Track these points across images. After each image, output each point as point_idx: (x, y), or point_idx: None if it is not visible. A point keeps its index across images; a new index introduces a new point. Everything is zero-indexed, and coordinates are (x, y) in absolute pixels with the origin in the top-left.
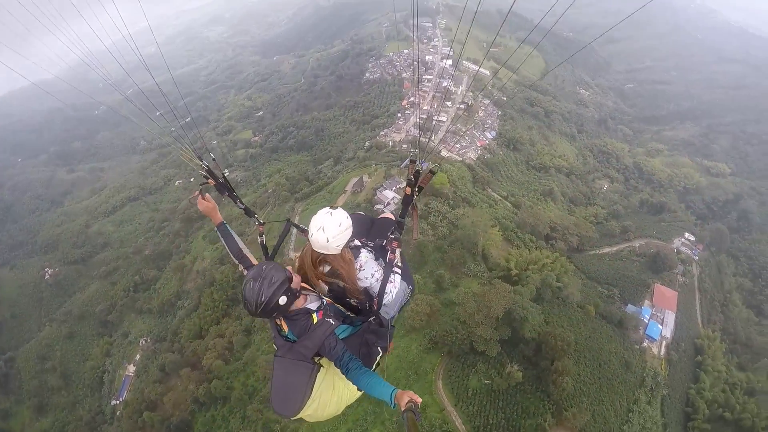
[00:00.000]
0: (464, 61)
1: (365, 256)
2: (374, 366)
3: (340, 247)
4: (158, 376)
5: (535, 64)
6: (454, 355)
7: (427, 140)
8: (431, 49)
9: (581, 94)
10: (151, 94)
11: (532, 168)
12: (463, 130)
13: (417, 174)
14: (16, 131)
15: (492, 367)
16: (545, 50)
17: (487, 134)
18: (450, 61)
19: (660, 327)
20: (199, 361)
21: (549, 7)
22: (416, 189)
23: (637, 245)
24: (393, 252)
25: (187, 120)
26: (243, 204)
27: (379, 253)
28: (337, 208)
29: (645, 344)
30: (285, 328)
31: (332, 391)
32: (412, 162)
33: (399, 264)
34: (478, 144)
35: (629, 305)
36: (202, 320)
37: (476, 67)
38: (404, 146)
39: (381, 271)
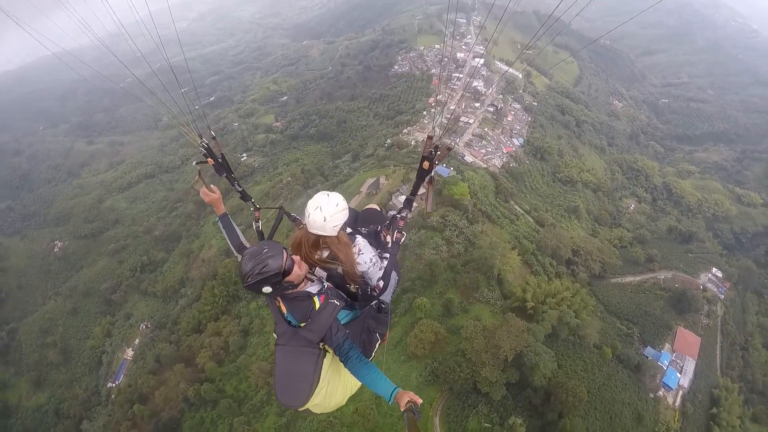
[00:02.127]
0: (497, 62)
1: (362, 240)
2: (373, 353)
3: (337, 228)
4: (153, 366)
5: (569, 70)
6: (455, 392)
7: (441, 117)
8: (463, 47)
9: (614, 105)
10: (178, 70)
11: (559, 180)
12: (490, 134)
13: (435, 149)
14: (40, 99)
15: (494, 411)
16: (580, 57)
17: (515, 140)
18: (482, 60)
19: (678, 375)
20: (193, 357)
21: (588, 13)
22: (434, 163)
23: (662, 278)
24: (400, 231)
25: (211, 99)
26: (240, 187)
27: (373, 239)
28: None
29: (660, 393)
30: (284, 309)
31: (339, 378)
32: (429, 138)
33: (392, 251)
34: (504, 150)
35: (648, 348)
36: (201, 314)
37: (509, 69)
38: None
39: (375, 258)
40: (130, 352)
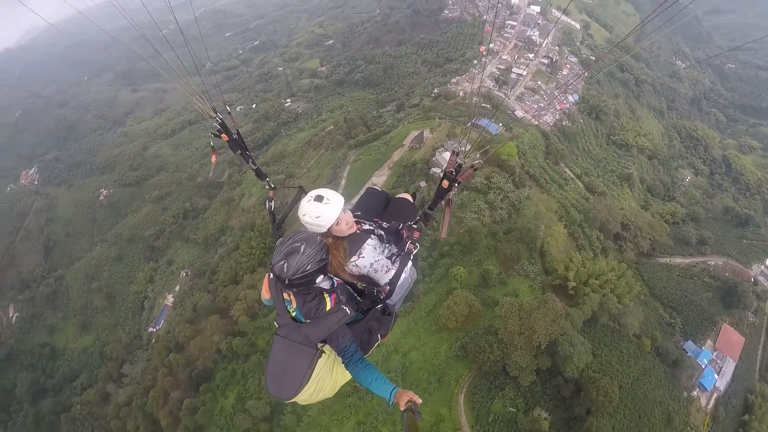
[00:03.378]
0: (553, 10)
1: (370, 243)
2: (370, 351)
3: (323, 220)
4: (190, 315)
5: (631, 23)
6: (483, 372)
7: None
8: None
9: (677, 65)
10: (224, 15)
11: (613, 143)
12: (543, 88)
13: (459, 168)
14: (84, 50)
15: (521, 396)
16: (643, 9)
17: (569, 97)
18: (537, 8)
19: (716, 377)
20: (228, 309)
21: None
22: (455, 184)
23: (713, 264)
24: (413, 243)
25: (255, 43)
26: (255, 164)
27: (392, 237)
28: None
29: (695, 393)
30: (294, 303)
31: (329, 377)
32: (455, 154)
33: (412, 255)
34: (558, 107)
35: (689, 342)
36: (238, 265)
37: (566, 18)
38: (475, 99)
39: (383, 261)
40: (170, 299)
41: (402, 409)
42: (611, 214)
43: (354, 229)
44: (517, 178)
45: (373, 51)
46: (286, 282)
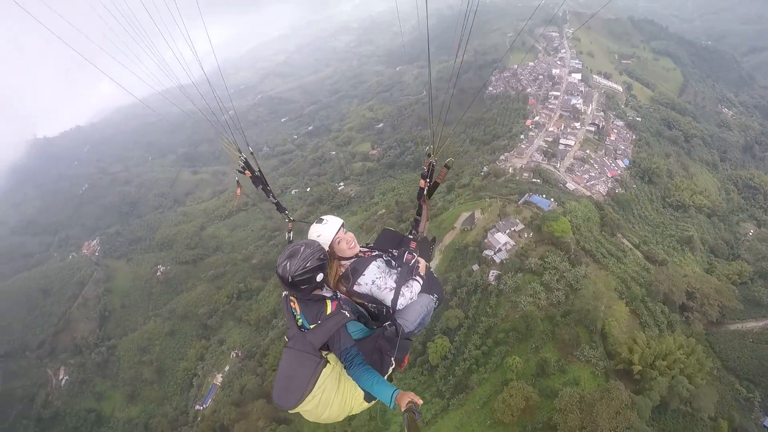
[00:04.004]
0: (594, 76)
1: (374, 264)
2: (384, 377)
3: (323, 238)
4: (237, 397)
5: (672, 78)
6: None
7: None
8: (558, 62)
9: (724, 113)
10: (280, 101)
11: (669, 206)
12: (593, 157)
13: (431, 167)
14: (151, 131)
15: None
16: (682, 62)
17: (619, 162)
18: (579, 76)
19: None
20: None
21: (685, 12)
22: (430, 183)
23: None
24: (411, 253)
25: (309, 128)
26: (275, 198)
27: (399, 261)
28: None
29: None
30: (297, 309)
31: (336, 391)
32: (428, 155)
33: (420, 274)
34: (609, 174)
35: None
36: None
37: (608, 82)
38: (525, 175)
39: (385, 279)
40: (219, 378)
41: (403, 409)
42: (675, 284)
43: (356, 249)
44: (573, 256)
45: (422, 132)
46: (290, 281)
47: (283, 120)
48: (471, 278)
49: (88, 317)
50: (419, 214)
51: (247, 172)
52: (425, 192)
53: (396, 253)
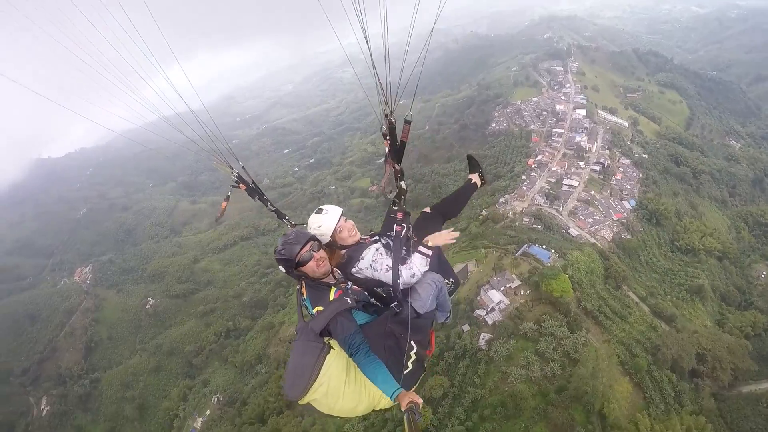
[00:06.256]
0: (599, 111)
1: (373, 247)
2: (411, 363)
3: (324, 229)
4: None
5: (678, 111)
6: None
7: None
8: (562, 97)
9: (732, 146)
10: (285, 132)
11: (678, 249)
12: (597, 198)
13: (392, 126)
14: (152, 157)
15: None
16: (688, 94)
17: (625, 204)
18: (583, 111)
19: None
20: None
21: (689, 43)
22: (396, 143)
23: None
24: (399, 224)
25: (311, 161)
26: (274, 206)
27: (401, 244)
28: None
29: None
30: (305, 293)
31: (346, 380)
32: (386, 115)
33: (425, 250)
34: (615, 217)
35: None
36: (266, 403)
37: (613, 118)
38: (525, 220)
39: (382, 261)
40: (200, 422)
41: (403, 409)
42: (684, 348)
43: (357, 237)
44: (572, 319)
45: (422, 169)
46: (297, 261)
47: (285, 151)
48: (460, 340)
49: (74, 347)
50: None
51: (241, 185)
52: (392, 154)
53: (394, 236)
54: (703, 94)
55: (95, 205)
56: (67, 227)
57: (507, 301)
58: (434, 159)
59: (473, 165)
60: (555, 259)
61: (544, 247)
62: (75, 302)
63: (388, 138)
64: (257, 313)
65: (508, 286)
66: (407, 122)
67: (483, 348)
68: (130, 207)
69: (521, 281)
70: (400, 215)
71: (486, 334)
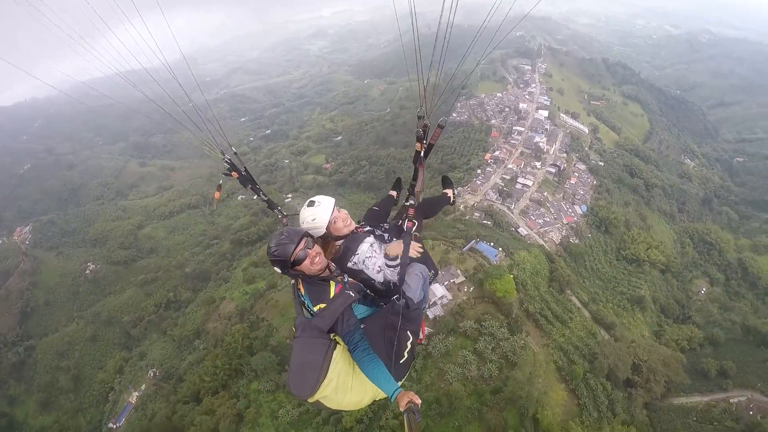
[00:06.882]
0: (562, 114)
1: (367, 241)
2: (406, 353)
3: (318, 223)
4: (146, 426)
5: (639, 124)
6: None
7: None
8: (527, 96)
9: (686, 164)
10: (243, 100)
11: (623, 258)
12: (550, 200)
13: (426, 128)
14: (106, 114)
15: None
16: (650, 108)
17: (577, 208)
18: (546, 113)
19: None
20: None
21: (658, 60)
22: (426, 145)
23: (735, 401)
24: (410, 219)
25: (267, 132)
26: (266, 196)
27: (394, 234)
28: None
29: None
30: (302, 290)
31: (353, 374)
32: (419, 118)
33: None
34: (565, 221)
35: None
36: (201, 382)
37: (574, 122)
38: (476, 215)
39: (375, 259)
40: (135, 396)
41: (402, 409)
42: (621, 358)
43: (352, 226)
44: (513, 321)
45: (378, 151)
46: (292, 260)
47: (242, 120)
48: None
49: (9, 312)
50: (415, 179)
51: (233, 173)
52: (422, 154)
53: (388, 227)
54: (665, 110)
55: (41, 160)
56: (9, 183)
57: (450, 297)
58: (391, 143)
59: (447, 184)
60: (502, 257)
61: (491, 244)
62: (12, 264)
63: (424, 141)
64: (199, 285)
65: (452, 281)
66: (440, 126)
67: (422, 342)
68: (76, 165)
69: (465, 277)
70: (411, 211)
71: (426, 329)
